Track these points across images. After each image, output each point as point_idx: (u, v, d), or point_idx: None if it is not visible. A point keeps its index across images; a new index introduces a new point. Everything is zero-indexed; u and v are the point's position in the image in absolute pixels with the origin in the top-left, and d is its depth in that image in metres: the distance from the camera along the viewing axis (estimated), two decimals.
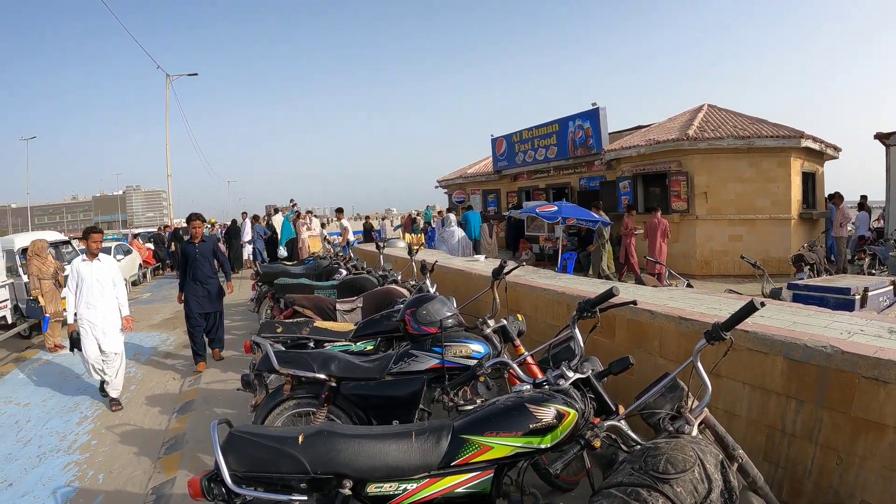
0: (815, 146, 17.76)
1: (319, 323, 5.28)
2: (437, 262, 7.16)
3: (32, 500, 4.63)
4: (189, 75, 30.97)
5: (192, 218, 8.22)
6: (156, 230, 29.52)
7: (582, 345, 2.93)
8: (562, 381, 2.50)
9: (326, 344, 4.92)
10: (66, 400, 7.05)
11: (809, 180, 18.57)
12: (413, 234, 22.79)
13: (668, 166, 17.59)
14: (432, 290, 5.79)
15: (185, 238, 9.21)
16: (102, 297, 6.80)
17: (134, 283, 19.75)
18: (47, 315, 9.46)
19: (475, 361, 3.64)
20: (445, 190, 33.97)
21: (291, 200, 24.96)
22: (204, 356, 8.25)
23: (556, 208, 14.77)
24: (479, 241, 16.84)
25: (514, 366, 2.92)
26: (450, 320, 3.96)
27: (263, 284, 9.36)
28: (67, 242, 13.94)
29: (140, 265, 21.29)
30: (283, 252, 18.18)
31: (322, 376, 3.73)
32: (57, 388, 7.32)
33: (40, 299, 9.51)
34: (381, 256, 9.07)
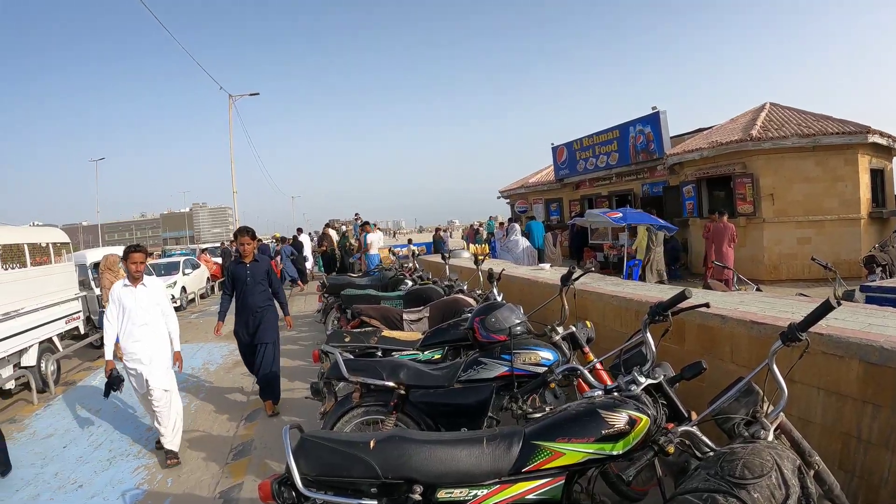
0: (883, 141, 17.17)
1: (387, 332, 5.37)
2: (503, 270, 7.15)
3: (102, 501, 4.87)
4: (251, 95, 31.52)
5: (241, 233, 6.89)
6: (219, 245, 30.32)
7: (654, 349, 2.91)
8: (633, 387, 2.47)
9: (394, 353, 5.00)
10: (136, 406, 7.27)
11: (878, 177, 18.01)
12: (477, 245, 22.82)
13: (733, 168, 17.20)
14: (499, 299, 5.80)
15: (234, 256, 7.70)
16: (149, 328, 5.71)
17: (202, 296, 20.42)
18: None
19: (544, 369, 3.64)
20: (508, 200, 34.00)
21: (356, 214, 25.31)
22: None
23: (620, 214, 14.61)
24: (543, 250, 16.82)
25: (585, 372, 2.92)
26: (518, 328, 3.99)
27: (330, 296, 9.47)
28: None
29: (208, 279, 22.09)
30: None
31: (391, 384, 3.80)
32: (128, 394, 7.60)
33: None
34: (447, 267, 9.09)
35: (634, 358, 3.08)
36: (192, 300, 19.37)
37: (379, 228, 22.69)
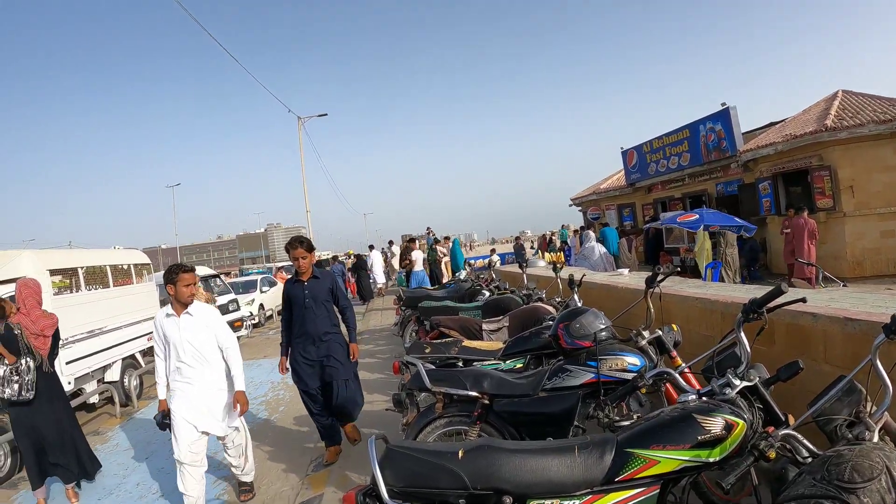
0: None
1: (467, 342, 5.36)
2: (584, 276, 7.06)
3: None
4: (319, 116, 32.07)
5: (293, 245, 5.56)
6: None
7: (749, 349, 2.79)
8: (728, 390, 2.37)
9: (475, 362, 4.98)
10: None
11: None
12: (551, 253, 22.67)
13: (809, 162, 16.66)
14: (580, 305, 5.67)
15: (289, 276, 6.34)
16: (200, 365, 4.84)
17: (279, 313, 20.70)
18: None
19: (632, 375, 3.60)
20: (580, 207, 33.65)
21: (428, 229, 25.45)
22: (337, 439, 5.85)
23: (697, 216, 14.28)
24: (618, 256, 16.64)
25: (676, 376, 2.83)
26: (603, 333, 3.94)
27: (407, 308, 9.55)
28: (216, 276, 16.11)
29: None
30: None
31: (475, 394, 3.80)
32: None
33: None
34: (525, 276, 9.01)
35: (726, 360, 3.00)
36: (270, 316, 20.09)
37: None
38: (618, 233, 19.16)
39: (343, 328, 5.92)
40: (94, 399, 8.78)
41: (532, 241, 55.67)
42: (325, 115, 32.10)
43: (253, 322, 17.97)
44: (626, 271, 8.59)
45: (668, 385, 3.52)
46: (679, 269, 5.86)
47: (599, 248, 12.51)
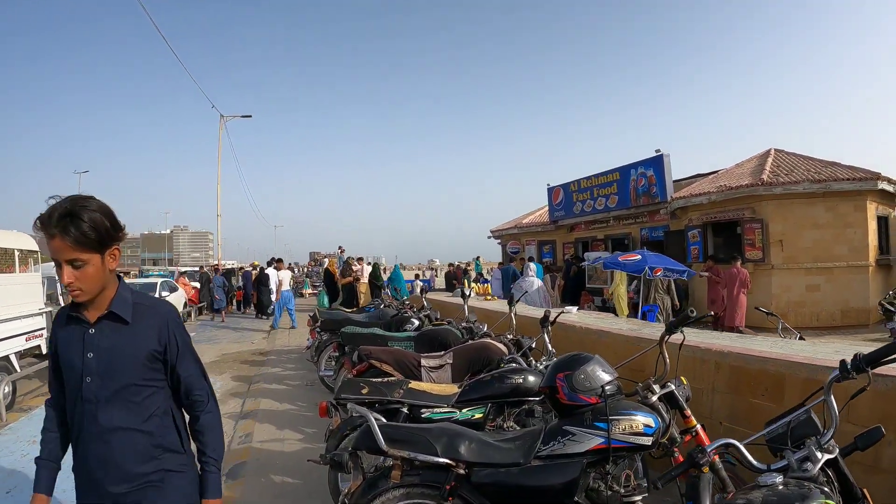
0: (890, 188, 17.09)
1: (414, 384, 4.42)
2: (559, 314, 5.97)
3: None
4: (243, 117, 31.09)
5: (51, 224, 1.95)
6: (199, 269, 29.06)
7: (837, 415, 2.19)
8: (809, 466, 2.05)
9: (423, 410, 4.14)
10: None
11: (883, 225, 17.89)
12: (478, 284, 21.92)
13: (742, 214, 16.91)
14: (551, 349, 5.08)
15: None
16: None
17: None
18: None
19: (647, 438, 2.89)
20: (499, 240, 33.24)
21: (340, 247, 25.26)
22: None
23: (640, 257, 13.89)
24: None
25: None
26: (609, 386, 3.09)
27: (324, 332, 8.51)
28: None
29: (185, 303, 21.10)
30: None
31: (447, 461, 2.88)
32: None
33: None
34: (466, 307, 7.89)
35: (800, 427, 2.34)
36: None
37: (367, 263, 22.06)
38: (543, 269, 18.74)
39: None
40: None
41: (436, 271, 55.11)
42: (250, 116, 31.35)
43: None
44: (574, 309, 7.86)
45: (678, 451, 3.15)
46: (709, 317, 5.36)
47: (537, 282, 11.97)
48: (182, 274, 26.16)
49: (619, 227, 23.22)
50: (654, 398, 3.10)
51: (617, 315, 13.04)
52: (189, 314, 21.02)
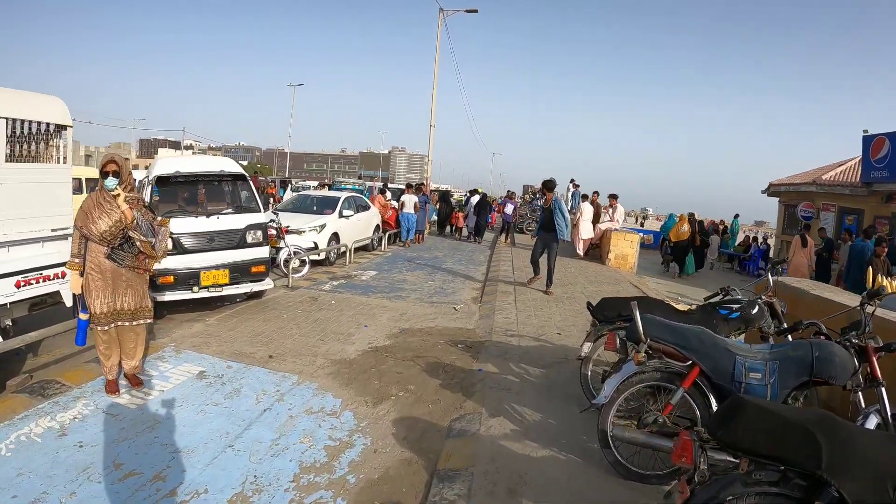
0: None
1: None
2: None
3: None
4: (467, 11, 26.96)
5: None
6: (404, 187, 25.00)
7: None
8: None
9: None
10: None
11: None
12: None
13: None
14: None
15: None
16: None
17: (364, 248, 15.46)
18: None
19: None
20: (780, 198, 25.84)
21: (572, 180, 23.02)
22: None
23: None
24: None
25: None
26: None
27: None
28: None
29: (377, 227, 16.80)
30: None
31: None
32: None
33: None
34: None
35: None
36: (344, 253, 13.79)
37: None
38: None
39: None
40: None
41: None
42: (475, 11, 26.83)
43: (316, 256, 12.30)
44: None
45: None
46: None
47: None
48: (382, 191, 21.43)
49: None
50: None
51: None
52: (379, 240, 16.80)
